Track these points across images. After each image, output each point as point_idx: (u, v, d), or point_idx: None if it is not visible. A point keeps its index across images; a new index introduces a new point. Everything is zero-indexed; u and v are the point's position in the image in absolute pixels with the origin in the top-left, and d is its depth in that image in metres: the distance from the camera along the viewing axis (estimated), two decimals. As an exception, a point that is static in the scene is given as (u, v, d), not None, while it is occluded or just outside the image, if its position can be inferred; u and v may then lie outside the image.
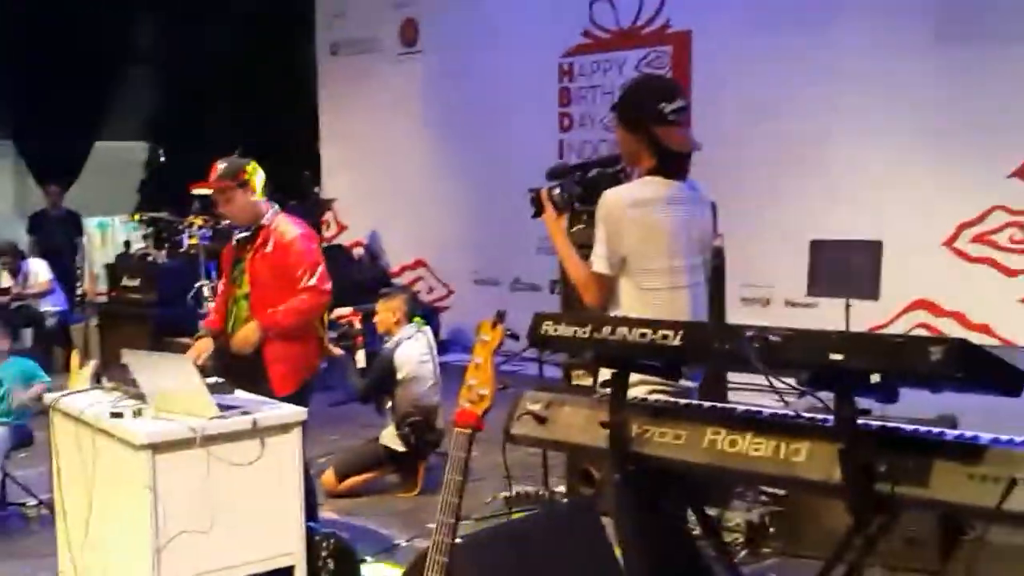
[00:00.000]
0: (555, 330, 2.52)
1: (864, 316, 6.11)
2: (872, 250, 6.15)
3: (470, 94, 9.81)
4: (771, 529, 4.62)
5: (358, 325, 6.09)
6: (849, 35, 7.34)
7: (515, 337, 2.43)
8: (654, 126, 3.11)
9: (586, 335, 2.46)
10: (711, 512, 4.63)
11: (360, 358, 5.96)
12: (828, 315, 6.29)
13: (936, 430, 2.24)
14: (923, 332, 6.80)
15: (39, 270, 9.54)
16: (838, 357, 2.05)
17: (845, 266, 6.24)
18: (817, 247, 6.37)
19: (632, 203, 3.14)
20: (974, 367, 1.94)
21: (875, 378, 1.99)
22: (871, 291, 6.12)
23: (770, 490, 4.89)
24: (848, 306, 6.13)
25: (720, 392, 5.04)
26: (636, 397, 2.70)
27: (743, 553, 4.56)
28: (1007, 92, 6.66)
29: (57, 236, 10.60)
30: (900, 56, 7.08)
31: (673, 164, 3.18)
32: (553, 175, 3.42)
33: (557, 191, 3.36)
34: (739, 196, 7.47)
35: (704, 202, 3.36)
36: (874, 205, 7.10)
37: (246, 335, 4.36)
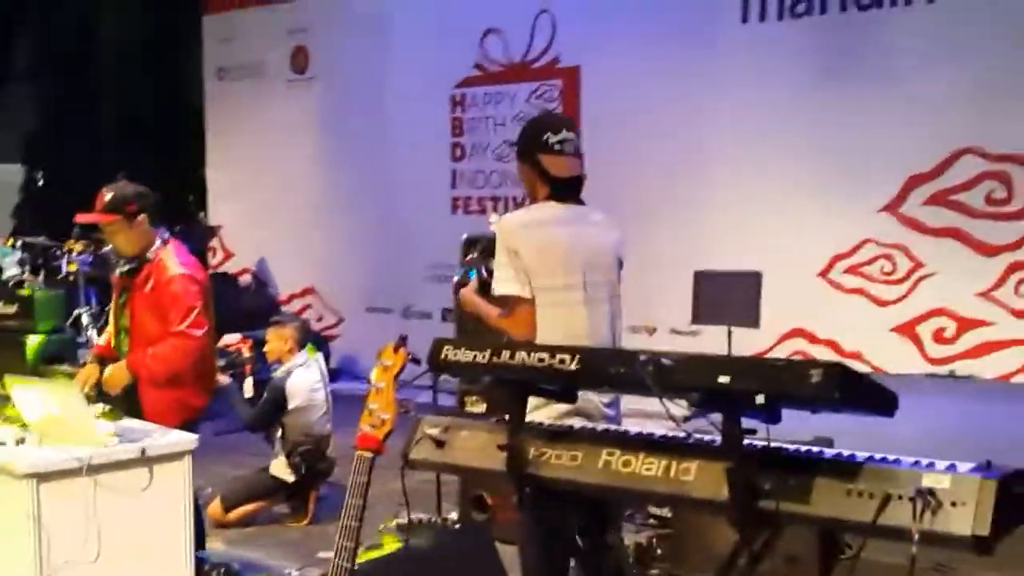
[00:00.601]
0: (455, 355, 2.57)
1: (745, 344, 6.33)
2: (752, 280, 6.40)
3: (362, 122, 9.82)
4: (658, 551, 4.74)
5: (247, 353, 6.00)
6: (731, 73, 7.66)
7: (417, 361, 2.47)
8: (541, 155, 3.30)
9: (485, 360, 2.51)
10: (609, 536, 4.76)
11: (248, 387, 5.87)
12: (711, 343, 6.50)
13: (816, 449, 2.38)
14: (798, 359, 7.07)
15: None
16: (726, 380, 2.16)
17: (727, 295, 6.48)
18: (701, 278, 6.60)
19: (524, 224, 3.32)
20: (851, 389, 2.06)
21: (760, 399, 2.10)
22: (752, 319, 6.37)
23: (657, 512, 5.04)
24: (730, 333, 6.36)
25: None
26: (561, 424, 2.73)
27: (633, 573, 4.65)
28: (879, 131, 7.05)
29: None
30: (780, 95, 7.42)
31: (563, 190, 3.34)
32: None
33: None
34: (624, 226, 7.62)
35: (604, 225, 3.51)
36: (754, 237, 7.38)
37: (115, 377, 4.23)
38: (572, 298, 3.29)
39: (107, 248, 5.88)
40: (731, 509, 2.24)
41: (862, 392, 2.12)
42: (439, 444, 2.73)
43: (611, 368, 2.37)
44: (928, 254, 7.00)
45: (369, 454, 2.38)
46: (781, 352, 7.35)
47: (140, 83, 12.21)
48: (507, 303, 3.33)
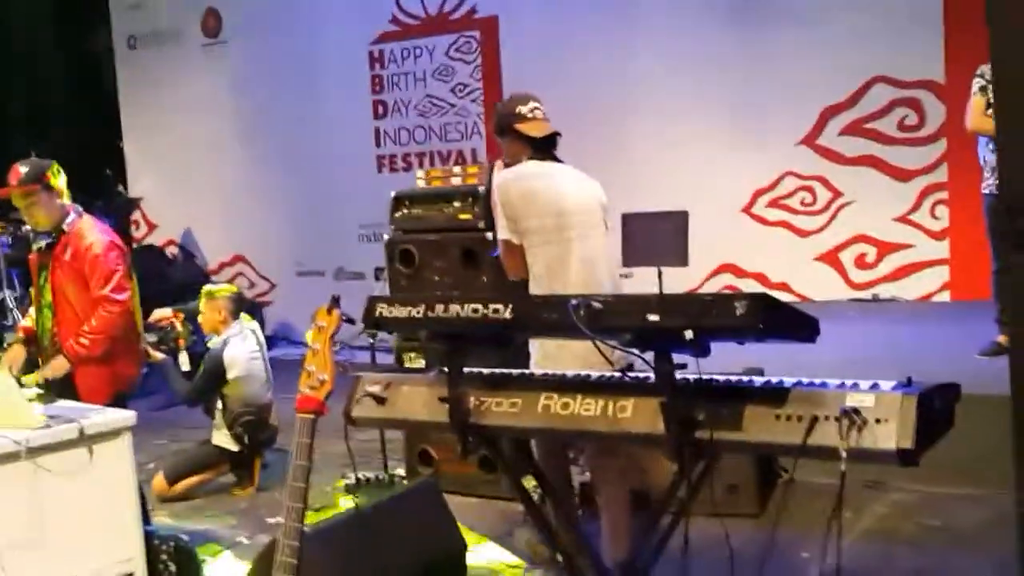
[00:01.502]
0: (389, 312, 2.60)
1: (675, 283, 6.41)
2: (680, 220, 6.48)
3: (280, 84, 9.65)
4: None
5: (179, 327, 5.93)
6: (647, 18, 7.71)
7: (351, 321, 2.49)
8: (518, 124, 3.86)
9: (420, 314, 2.55)
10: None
11: (184, 361, 5.81)
12: (643, 284, 6.59)
13: (747, 378, 2.46)
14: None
15: None
16: (655, 318, 2.22)
17: (655, 237, 6.56)
18: (628, 220, 6.66)
19: (515, 177, 3.83)
20: (774, 319, 2.14)
21: (688, 335, 2.17)
22: (681, 259, 6.45)
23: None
24: (660, 274, 6.45)
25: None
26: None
27: (580, 512, 4.75)
28: (794, 68, 7.17)
29: None
30: (697, 34, 7.50)
31: (542, 148, 3.88)
32: None
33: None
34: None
35: (581, 176, 4.01)
36: (678, 177, 7.48)
37: (55, 369, 4.27)
38: (563, 236, 3.73)
39: (26, 228, 5.75)
40: (668, 442, 2.32)
41: (784, 321, 2.20)
42: (380, 401, 2.77)
43: (544, 314, 2.42)
44: (846, 183, 7.18)
45: (311, 416, 2.40)
46: (711, 288, 7.49)
47: (49, 57, 11.81)
48: (504, 248, 3.85)
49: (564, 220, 3.74)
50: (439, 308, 2.52)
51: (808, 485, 3.85)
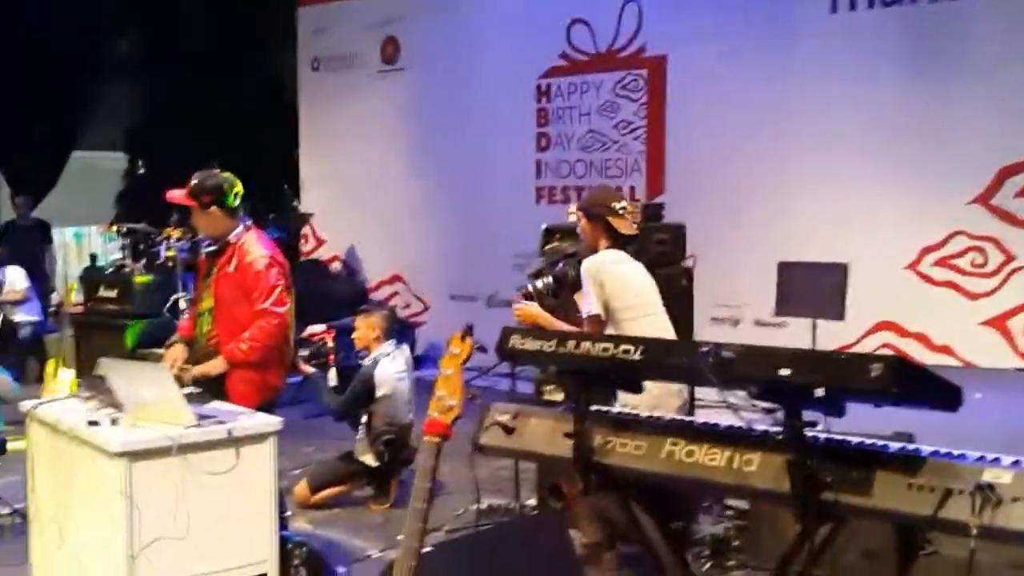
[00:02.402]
0: (522, 343, 2.63)
1: (831, 336, 6.24)
2: (838, 272, 6.30)
3: (449, 112, 9.93)
4: (735, 543, 4.73)
5: (330, 343, 6.13)
6: (818, 63, 7.54)
7: (483, 350, 2.54)
8: (610, 218, 4.31)
9: (551, 348, 2.57)
10: (676, 525, 4.77)
11: (332, 376, 6.00)
12: (796, 335, 6.43)
13: (881, 443, 2.37)
14: (886, 352, 6.95)
15: (15, 278, 9.53)
16: (786, 372, 2.17)
17: (812, 287, 6.39)
18: (785, 269, 6.53)
19: (605, 262, 4.26)
20: (910, 383, 2.06)
21: (819, 392, 2.11)
22: (837, 312, 6.27)
23: (735, 504, 5.02)
24: (815, 326, 6.28)
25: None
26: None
27: (708, 566, 4.66)
28: (969, 121, 6.87)
29: (26, 246, 10.50)
30: (868, 85, 7.29)
31: (625, 243, 4.36)
32: (535, 275, 4.81)
33: (540, 284, 4.67)
34: (710, 217, 7.63)
35: (643, 267, 4.44)
36: (841, 228, 7.27)
37: (207, 369, 4.42)
38: (647, 312, 4.24)
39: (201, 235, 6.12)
40: (792, 501, 2.26)
41: (923, 386, 2.12)
42: (508, 431, 2.80)
43: (672, 359, 2.40)
44: (1021, 247, 6.80)
45: (437, 439, 2.45)
46: (868, 345, 7.22)
47: (237, 75, 12.53)
48: (593, 322, 4.16)
49: (647, 299, 4.28)
50: (570, 344, 2.53)
51: (951, 560, 3.66)
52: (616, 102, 8.76)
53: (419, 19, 10.31)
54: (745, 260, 7.68)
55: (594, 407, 2.75)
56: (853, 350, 7.20)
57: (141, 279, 8.98)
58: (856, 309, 6.38)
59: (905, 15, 7.18)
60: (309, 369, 5.56)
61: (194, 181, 4.53)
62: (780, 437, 2.33)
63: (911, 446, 2.28)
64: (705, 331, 7.21)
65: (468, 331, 2.49)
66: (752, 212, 7.84)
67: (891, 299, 7.18)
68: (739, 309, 7.95)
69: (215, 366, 4.42)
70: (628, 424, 2.66)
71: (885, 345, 7.19)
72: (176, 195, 4.57)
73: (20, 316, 9.41)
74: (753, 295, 7.45)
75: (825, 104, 7.48)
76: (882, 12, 7.27)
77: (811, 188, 7.58)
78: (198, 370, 4.42)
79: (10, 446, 5.41)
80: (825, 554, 2.38)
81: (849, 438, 2.33)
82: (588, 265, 4.26)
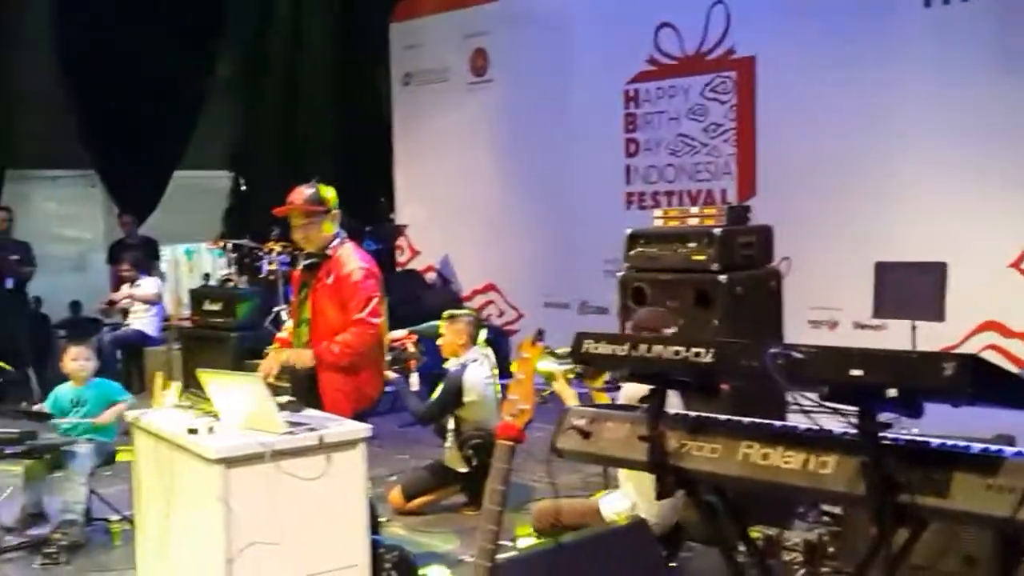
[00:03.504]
0: (595, 348, 2.65)
1: (933, 338, 6.08)
2: (937, 272, 6.14)
3: (538, 121, 9.99)
4: (829, 548, 4.65)
5: (412, 348, 6.22)
6: (913, 60, 7.35)
7: (553, 354, 2.57)
8: None
9: (624, 352, 2.58)
10: (770, 531, 4.72)
11: (414, 381, 6.09)
12: (896, 337, 6.28)
13: (962, 444, 2.32)
14: (992, 353, 6.73)
15: (148, 284, 9.90)
16: (858, 373, 2.15)
17: (910, 288, 6.24)
18: (882, 269, 6.39)
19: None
20: (986, 383, 2.02)
21: (892, 392, 2.08)
22: (937, 313, 6.11)
23: (830, 509, 4.93)
24: (914, 328, 6.13)
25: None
26: None
27: (801, 572, 4.59)
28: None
29: (135, 264, 10.92)
30: (965, 80, 7.06)
31: None
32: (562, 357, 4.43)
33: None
34: (805, 219, 7.52)
35: None
36: (939, 227, 7.06)
37: (299, 357, 4.55)
38: None
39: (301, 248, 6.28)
40: (868, 503, 2.23)
41: (1000, 386, 2.07)
42: (585, 435, 2.82)
43: (743, 361, 2.39)
44: None
45: (510, 443, 2.49)
46: (973, 346, 6.99)
47: (333, 92, 12.83)
48: None
49: None
50: (642, 348, 2.54)
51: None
52: (705, 105, 8.69)
53: (507, 31, 10.40)
54: (842, 261, 7.53)
55: (671, 410, 2.76)
56: (957, 351, 7.00)
57: (244, 292, 9.25)
58: (958, 309, 6.22)
59: (1001, 6, 6.94)
60: (391, 374, 5.66)
61: (310, 191, 4.63)
62: (856, 439, 2.30)
63: (993, 447, 2.23)
64: (803, 334, 7.11)
65: (539, 336, 2.53)
66: (848, 212, 7.67)
67: (994, 298, 6.93)
68: (837, 312, 7.79)
69: (304, 357, 4.53)
70: (704, 427, 2.66)
71: (990, 346, 6.95)
72: (289, 208, 4.67)
73: (142, 322, 9.73)
74: (851, 297, 7.29)
75: (920, 100, 7.28)
76: (977, 4, 7.04)
77: (908, 186, 7.38)
78: (288, 354, 4.52)
79: (120, 456, 5.64)
80: (905, 558, 2.34)
81: (928, 439, 2.28)
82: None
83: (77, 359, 5.75)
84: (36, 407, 5.93)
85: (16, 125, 11.33)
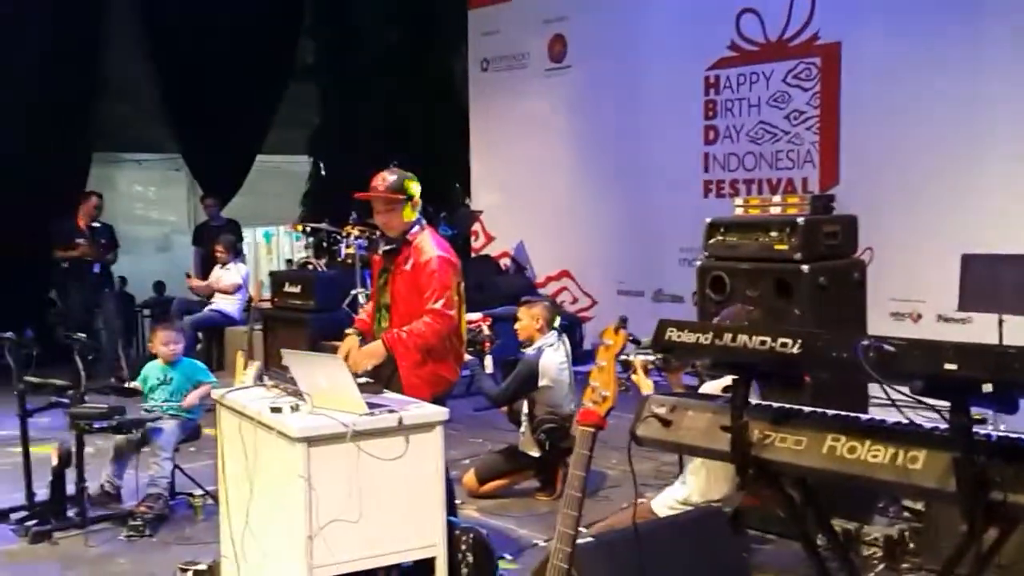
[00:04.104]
0: (678, 336, 2.64)
1: (1021, 333, 5.92)
2: (1025, 265, 5.97)
3: (616, 108, 9.95)
4: (910, 544, 4.58)
5: (486, 331, 6.25)
6: (1001, 47, 7.14)
7: (636, 342, 2.57)
8: None
9: (707, 341, 2.57)
10: (850, 525, 4.66)
11: (488, 364, 6.12)
12: (983, 331, 6.13)
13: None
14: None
15: (238, 270, 10.10)
16: (952, 367, 2.10)
17: (998, 281, 6.07)
18: (969, 261, 6.23)
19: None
20: (1086, 379, 1.96)
21: (987, 387, 2.03)
22: (1025, 307, 5.94)
23: (911, 505, 4.85)
24: (1001, 322, 5.97)
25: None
26: None
27: (880, 567, 4.53)
28: None
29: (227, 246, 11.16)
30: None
31: None
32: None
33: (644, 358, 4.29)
34: (888, 209, 7.37)
35: None
36: (1025, 219, 6.87)
37: (371, 352, 4.58)
38: None
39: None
40: (958, 500, 2.18)
41: (1100, 382, 2.01)
42: (665, 423, 2.81)
43: (832, 353, 2.36)
44: None
45: (591, 429, 2.49)
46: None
47: (410, 77, 12.92)
48: None
49: None
50: (727, 337, 2.52)
51: None
52: (787, 92, 8.56)
53: (586, 16, 10.36)
54: (926, 252, 7.37)
55: (754, 401, 2.73)
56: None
57: (323, 275, 9.37)
58: (1049, 304, 6.03)
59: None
60: (467, 356, 5.70)
61: (392, 178, 4.65)
62: (947, 434, 2.26)
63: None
64: (884, 326, 6.98)
65: (622, 323, 2.53)
66: (932, 202, 7.51)
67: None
68: (920, 304, 7.63)
69: (375, 352, 4.56)
70: (788, 418, 2.63)
71: (1082, 343, 6.74)
72: (373, 194, 4.68)
73: (227, 304, 9.94)
74: (935, 289, 7.14)
75: (1009, 87, 7.08)
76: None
77: (996, 176, 7.19)
78: (358, 355, 4.55)
79: (205, 431, 5.79)
80: (993, 557, 2.29)
81: (1021, 435, 2.23)
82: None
83: (167, 343, 5.98)
84: (127, 384, 6.13)
85: (103, 110, 11.64)
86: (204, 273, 10.53)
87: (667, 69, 9.44)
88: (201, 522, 5.52)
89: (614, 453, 5.20)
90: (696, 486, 4.19)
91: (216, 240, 10.34)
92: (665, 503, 4.29)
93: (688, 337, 2.61)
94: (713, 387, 3.50)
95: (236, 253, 10.29)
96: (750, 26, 8.85)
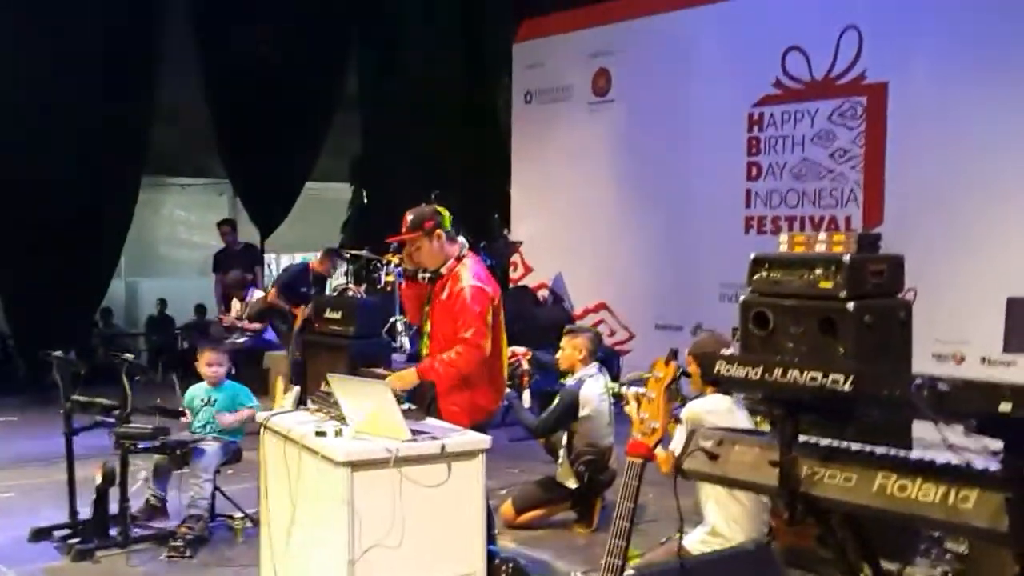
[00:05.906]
0: (728, 370, 2.64)
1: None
2: (1074, 308, 5.91)
3: (658, 143, 9.98)
4: (953, 588, 4.51)
5: (526, 365, 6.27)
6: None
7: (686, 375, 2.57)
8: None
9: (757, 376, 2.57)
10: (892, 566, 4.59)
11: (526, 397, 6.13)
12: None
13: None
14: None
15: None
16: (1007, 407, 2.10)
17: (1045, 323, 6.01)
18: (1014, 304, 6.17)
19: (707, 411, 4.14)
20: None
21: (1042, 428, 2.03)
22: (1072, 351, 5.88)
23: (954, 547, 4.78)
24: (1047, 365, 5.90)
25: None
26: None
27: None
28: None
29: (235, 270, 11.08)
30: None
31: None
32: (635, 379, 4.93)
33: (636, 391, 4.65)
34: (934, 248, 7.33)
35: None
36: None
37: (401, 376, 4.64)
38: None
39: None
40: (1010, 541, 2.17)
41: None
42: (712, 457, 2.80)
43: (885, 391, 2.35)
44: None
45: (639, 460, 2.50)
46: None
47: (454, 109, 13.05)
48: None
49: None
50: (777, 372, 2.52)
51: None
52: (832, 130, 8.55)
53: (631, 51, 10.42)
54: (970, 293, 7.31)
55: (803, 437, 2.73)
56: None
57: (363, 302, 9.43)
58: (1094, 349, 5.96)
59: None
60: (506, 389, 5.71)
61: (411, 217, 4.73)
62: (999, 474, 2.24)
63: None
64: (926, 367, 6.89)
65: (672, 355, 2.54)
66: (978, 243, 7.45)
67: None
68: (963, 346, 7.54)
69: (407, 378, 4.62)
70: (838, 455, 2.61)
71: None
72: (397, 236, 4.78)
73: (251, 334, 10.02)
74: (979, 331, 7.07)
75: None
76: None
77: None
78: (393, 381, 4.58)
79: (246, 453, 5.83)
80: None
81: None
82: (688, 411, 4.18)
83: (212, 364, 6.05)
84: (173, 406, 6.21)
85: (152, 135, 11.86)
86: (225, 299, 10.59)
87: (711, 105, 9.47)
88: (241, 544, 5.56)
89: (649, 488, 5.17)
90: (712, 518, 4.27)
91: (228, 273, 10.43)
92: (697, 538, 4.29)
93: (738, 371, 2.61)
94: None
95: (254, 284, 10.35)
96: (795, 64, 8.86)
